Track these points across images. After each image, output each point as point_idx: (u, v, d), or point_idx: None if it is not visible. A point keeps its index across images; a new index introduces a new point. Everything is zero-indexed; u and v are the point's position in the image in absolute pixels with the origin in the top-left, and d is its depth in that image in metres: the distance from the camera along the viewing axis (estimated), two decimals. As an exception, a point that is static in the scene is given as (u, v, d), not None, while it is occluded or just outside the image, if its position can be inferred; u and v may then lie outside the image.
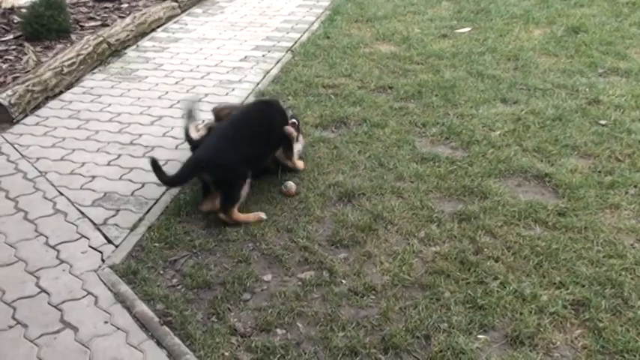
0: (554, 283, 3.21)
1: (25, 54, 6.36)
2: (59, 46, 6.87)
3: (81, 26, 7.62)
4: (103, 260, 3.51)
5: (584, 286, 3.19)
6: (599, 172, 4.21)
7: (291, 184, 4.07)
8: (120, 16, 8.00)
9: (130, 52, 6.69)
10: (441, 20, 7.46)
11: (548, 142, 4.58)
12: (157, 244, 3.64)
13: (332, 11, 7.87)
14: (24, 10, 7.05)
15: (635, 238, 3.57)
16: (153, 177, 4.14)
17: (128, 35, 6.92)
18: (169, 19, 7.82)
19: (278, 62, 6.29)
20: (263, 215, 3.82)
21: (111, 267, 3.44)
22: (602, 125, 4.82)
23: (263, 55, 6.52)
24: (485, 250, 3.47)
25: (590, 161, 4.36)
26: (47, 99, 5.53)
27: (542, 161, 4.35)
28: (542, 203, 3.84)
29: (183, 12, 8.15)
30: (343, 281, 3.29)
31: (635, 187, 4.04)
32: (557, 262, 3.36)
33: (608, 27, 7.02)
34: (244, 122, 4.01)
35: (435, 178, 4.16)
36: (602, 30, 6.91)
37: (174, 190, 4.12)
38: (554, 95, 5.36)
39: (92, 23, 7.71)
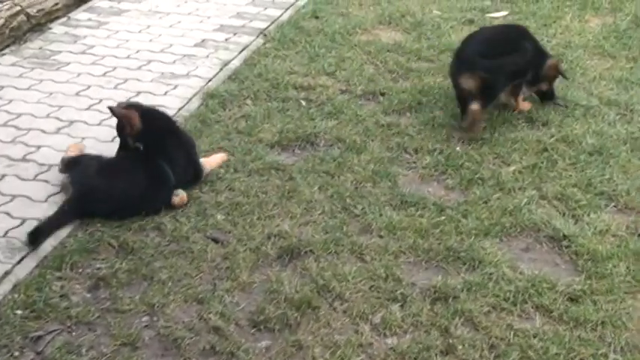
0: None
1: None
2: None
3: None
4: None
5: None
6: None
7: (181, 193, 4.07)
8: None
9: (57, 28, 6.53)
10: (470, -1, 7.18)
11: (578, 186, 4.33)
12: (19, 312, 3.41)
13: (331, -20, 7.59)
14: None
15: (672, 341, 3.24)
16: (38, 210, 3.97)
17: (57, 4, 6.73)
18: (119, -19, 7.57)
19: (243, 50, 6.12)
20: None
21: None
22: (658, 165, 4.51)
23: (226, 40, 6.33)
24: (459, 348, 3.22)
25: (630, 218, 4.09)
26: None
27: (564, 215, 4.09)
28: (551, 281, 3.58)
29: (139, -27, 7.89)
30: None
31: (686, 262, 3.69)
32: (556, 375, 3.05)
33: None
34: None
35: (412, 234, 3.91)
36: (681, 22, 6.56)
37: (62, 233, 3.90)
38: (599, 116, 5.10)
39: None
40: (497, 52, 4.83)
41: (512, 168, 4.50)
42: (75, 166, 4.25)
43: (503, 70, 4.80)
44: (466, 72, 4.74)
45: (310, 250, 3.79)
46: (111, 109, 4.23)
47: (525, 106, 5.08)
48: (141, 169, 4.12)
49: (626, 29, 6.50)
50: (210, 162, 4.38)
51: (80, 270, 3.68)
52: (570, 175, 4.43)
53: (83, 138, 4.79)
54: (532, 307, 3.44)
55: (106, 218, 3.97)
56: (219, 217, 4.04)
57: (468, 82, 4.71)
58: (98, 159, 4.29)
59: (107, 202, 4.00)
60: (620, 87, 5.49)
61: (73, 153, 4.40)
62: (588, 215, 4.07)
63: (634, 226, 4.00)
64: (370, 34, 6.41)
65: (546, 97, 5.18)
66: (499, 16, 6.85)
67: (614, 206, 4.18)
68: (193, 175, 4.23)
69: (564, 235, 3.89)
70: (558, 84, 5.47)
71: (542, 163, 4.55)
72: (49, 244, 3.82)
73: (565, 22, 6.68)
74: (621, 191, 4.27)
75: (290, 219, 4.04)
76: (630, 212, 4.14)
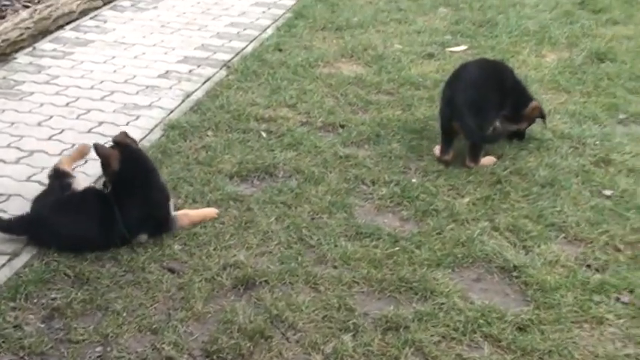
0: None
1: None
2: None
3: (-31, 18, 7.40)
4: None
5: None
6: (588, 266, 3.98)
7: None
8: (25, 6, 7.79)
9: (22, 57, 6.50)
10: (431, 33, 7.28)
11: (530, 217, 4.35)
12: (-29, 343, 3.35)
13: (294, 13, 7.70)
14: None
15: (616, 371, 3.27)
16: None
17: (22, 34, 6.71)
18: (85, 13, 7.65)
19: (206, 82, 6.13)
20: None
21: None
22: (606, 197, 4.59)
23: (190, 71, 6.33)
24: (409, 378, 3.19)
25: (579, 249, 4.12)
26: None
27: (515, 246, 4.10)
28: (500, 310, 3.59)
29: (105, 4, 7.98)
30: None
31: (631, 292, 3.78)
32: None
33: (643, 54, 6.78)
34: None
35: (366, 265, 3.91)
36: (634, 59, 6.75)
37: (17, 263, 3.86)
38: (552, 149, 5.15)
39: (-15, 14, 7.50)
40: (485, 98, 4.88)
41: (466, 200, 4.52)
42: (49, 183, 4.30)
43: (491, 123, 4.91)
44: (457, 122, 4.77)
45: (265, 281, 3.78)
46: (95, 146, 4.17)
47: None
48: (93, 211, 4.07)
49: (581, 64, 6.58)
50: (191, 215, 4.26)
51: (35, 300, 3.64)
52: (522, 207, 4.45)
53: (43, 168, 4.74)
54: (481, 337, 3.44)
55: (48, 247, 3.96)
56: (175, 247, 4.03)
57: (460, 130, 4.81)
58: (62, 189, 4.23)
59: (51, 235, 3.99)
60: (574, 121, 5.55)
61: (64, 165, 4.39)
62: (538, 246, 4.09)
63: (583, 257, 4.03)
64: (332, 67, 6.44)
65: (518, 136, 5.25)
66: (458, 50, 6.92)
67: (564, 237, 4.21)
68: (155, 227, 4.13)
69: (515, 266, 3.91)
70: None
71: (495, 194, 4.56)
72: (3, 275, 3.77)
73: (522, 56, 6.75)
74: (571, 222, 4.30)
75: (246, 249, 4.03)
76: (579, 243, 4.17)
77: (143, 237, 4.06)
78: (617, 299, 3.73)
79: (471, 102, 4.77)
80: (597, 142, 5.23)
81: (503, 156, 5.03)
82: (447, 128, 4.86)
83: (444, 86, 5.09)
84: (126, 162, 4.08)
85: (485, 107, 4.86)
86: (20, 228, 4.06)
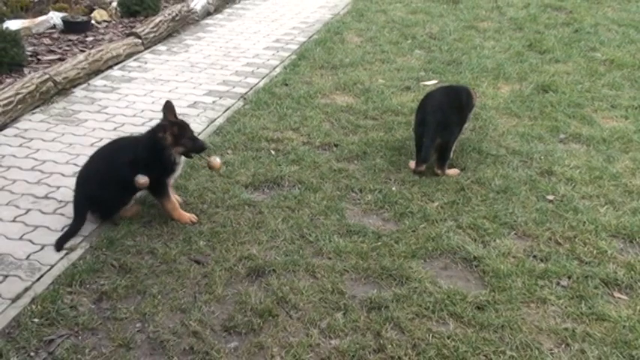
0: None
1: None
2: (9, 80, 6.65)
3: (38, 59, 7.42)
4: (-29, 337, 3.23)
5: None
6: (534, 256, 3.96)
7: (215, 159, 4.26)
8: (82, 50, 7.80)
9: (78, 92, 6.48)
10: (408, 71, 7.24)
11: (487, 218, 4.32)
12: (36, 320, 3.37)
13: (298, 55, 7.66)
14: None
15: (556, 341, 3.28)
16: (55, 238, 3.93)
17: (79, 73, 6.71)
18: (130, 56, 7.61)
19: (227, 110, 6.08)
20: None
21: (-24, 347, 3.16)
22: (549, 201, 4.56)
23: (213, 102, 6.30)
24: (389, 347, 3.21)
25: (527, 243, 4.09)
26: (-25, 141, 5.30)
27: (475, 241, 4.08)
28: (462, 293, 3.57)
29: (146, 49, 7.94)
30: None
31: (569, 277, 3.76)
32: (464, 367, 3.04)
33: (579, 87, 6.79)
34: None
35: (355, 256, 3.90)
36: (572, 90, 6.68)
37: (73, 256, 3.86)
38: (505, 163, 5.10)
39: (50, 57, 7.52)
40: (451, 118, 4.89)
41: (435, 204, 4.51)
42: None
43: (456, 137, 4.94)
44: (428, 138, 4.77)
45: (273, 270, 3.79)
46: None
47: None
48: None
49: (530, 95, 6.56)
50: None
51: (87, 286, 3.66)
52: (481, 209, 4.44)
53: (95, 180, 4.72)
54: (447, 315, 3.45)
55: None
56: (201, 243, 4.03)
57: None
58: None
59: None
60: (523, 140, 5.53)
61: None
62: (494, 241, 4.09)
63: (530, 250, 4.03)
64: (328, 98, 6.43)
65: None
66: (430, 84, 6.88)
67: (515, 234, 4.20)
68: None
69: (475, 257, 3.91)
70: (474, 137, 5.53)
71: (459, 199, 4.55)
72: (62, 265, 3.78)
73: (482, 88, 6.73)
74: (521, 222, 4.30)
75: (258, 244, 4.03)
76: (527, 238, 4.16)
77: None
78: (558, 283, 3.73)
79: (438, 122, 4.75)
80: (542, 157, 5.21)
81: (465, 168, 5.00)
82: (420, 145, 4.83)
83: (416, 111, 5.09)
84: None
85: (451, 125, 4.84)
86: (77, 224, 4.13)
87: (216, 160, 4.31)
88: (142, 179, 4.00)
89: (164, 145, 4.01)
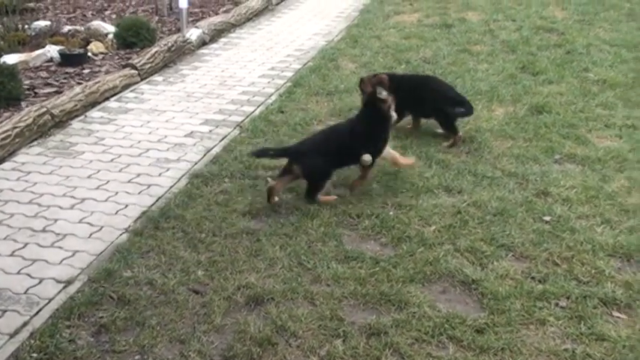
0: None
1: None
2: (6, 114, 6.69)
3: (35, 93, 7.46)
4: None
5: None
6: (532, 278, 3.96)
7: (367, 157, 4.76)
8: (78, 82, 7.85)
9: (76, 124, 6.51)
10: (402, 95, 7.23)
11: (484, 240, 4.33)
12: (34, 355, 3.37)
13: (293, 83, 7.71)
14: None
15: (556, 363, 3.25)
16: (53, 272, 3.93)
17: (76, 105, 6.75)
18: (126, 87, 7.66)
19: (223, 139, 6.11)
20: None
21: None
22: (546, 222, 4.58)
23: (210, 131, 6.33)
24: (389, 373, 3.16)
25: (524, 265, 4.09)
26: (-28, 175, 5.32)
27: (473, 264, 4.08)
28: (461, 316, 3.57)
29: (143, 80, 8.00)
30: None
31: (568, 298, 3.76)
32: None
33: (573, 107, 6.82)
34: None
35: (353, 282, 3.90)
36: (566, 110, 6.71)
37: (71, 289, 3.86)
38: (501, 185, 5.11)
39: (47, 90, 7.56)
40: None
41: (432, 228, 4.51)
42: None
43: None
44: None
45: (272, 298, 3.78)
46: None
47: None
48: None
49: (524, 116, 6.59)
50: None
51: (86, 319, 3.64)
52: (478, 232, 4.45)
53: (92, 212, 4.76)
54: (447, 338, 3.44)
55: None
56: (199, 272, 4.03)
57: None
58: None
59: None
60: (518, 162, 5.55)
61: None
62: (492, 263, 4.09)
63: (527, 271, 4.03)
64: (324, 124, 6.43)
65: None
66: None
67: (513, 255, 4.20)
68: None
69: (473, 280, 3.91)
70: (470, 159, 5.55)
71: (456, 223, 4.55)
72: (60, 299, 3.78)
73: (476, 111, 6.69)
74: (518, 243, 4.30)
75: (256, 273, 4.03)
76: (525, 260, 4.17)
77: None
78: (557, 304, 3.73)
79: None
80: (538, 178, 5.22)
81: (462, 191, 5.01)
82: None
83: None
84: None
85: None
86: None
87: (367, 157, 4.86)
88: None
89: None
